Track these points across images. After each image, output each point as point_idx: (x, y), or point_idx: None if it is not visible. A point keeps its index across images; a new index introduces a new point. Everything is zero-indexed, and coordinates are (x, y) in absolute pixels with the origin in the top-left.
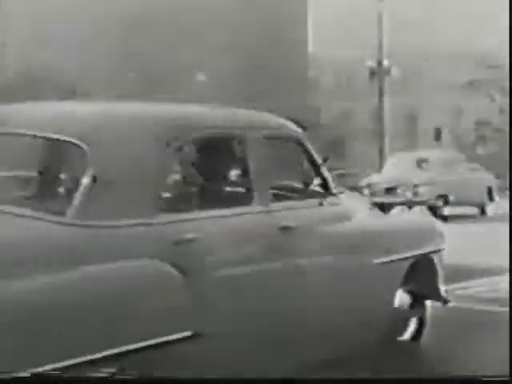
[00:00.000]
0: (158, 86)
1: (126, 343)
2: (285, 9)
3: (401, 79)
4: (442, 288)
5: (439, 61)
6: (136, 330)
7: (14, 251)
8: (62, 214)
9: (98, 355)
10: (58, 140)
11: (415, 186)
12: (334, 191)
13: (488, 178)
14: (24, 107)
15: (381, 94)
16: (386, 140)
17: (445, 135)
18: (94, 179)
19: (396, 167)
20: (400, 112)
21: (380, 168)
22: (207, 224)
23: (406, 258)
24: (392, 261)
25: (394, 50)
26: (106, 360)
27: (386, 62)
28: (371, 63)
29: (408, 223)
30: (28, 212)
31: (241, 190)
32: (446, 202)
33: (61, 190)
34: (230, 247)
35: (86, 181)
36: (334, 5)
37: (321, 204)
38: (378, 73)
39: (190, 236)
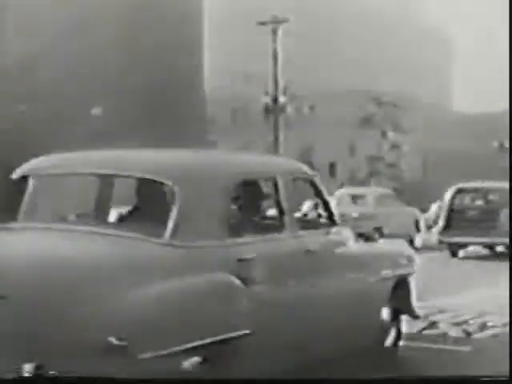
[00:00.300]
0: (54, 120)
1: (206, 337)
2: (182, 45)
3: (296, 115)
4: (415, 305)
5: (333, 97)
6: (212, 326)
7: (130, 265)
8: (160, 236)
9: (189, 345)
10: (154, 181)
11: (355, 219)
12: (338, 222)
13: (415, 212)
14: (127, 154)
15: (276, 130)
16: None
17: (339, 170)
18: (182, 211)
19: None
20: (295, 147)
21: None
22: (258, 246)
23: (391, 278)
24: (382, 279)
25: (290, 87)
26: (194, 350)
27: (281, 99)
28: (267, 100)
29: (390, 250)
30: (135, 235)
31: (276, 220)
32: (381, 235)
33: (153, 218)
34: (275, 264)
35: (175, 211)
36: (231, 41)
37: (328, 233)
38: (273, 109)
39: (248, 256)
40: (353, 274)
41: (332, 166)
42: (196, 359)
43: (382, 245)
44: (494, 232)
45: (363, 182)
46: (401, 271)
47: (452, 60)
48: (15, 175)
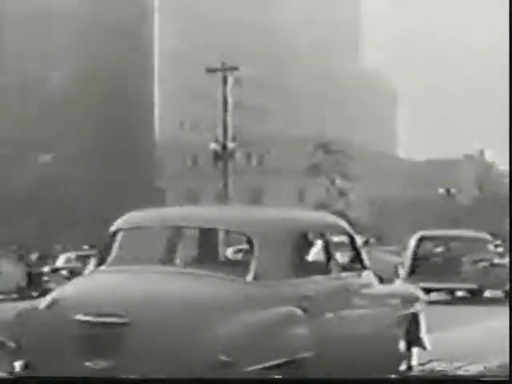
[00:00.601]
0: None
1: (281, 358)
2: (132, 92)
3: (245, 162)
4: (425, 338)
5: (282, 145)
6: (285, 348)
7: (226, 299)
8: (243, 277)
9: (271, 363)
10: (239, 232)
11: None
12: (367, 267)
13: (394, 259)
14: (208, 210)
15: (225, 176)
16: None
17: None
18: (260, 257)
19: (317, 250)
20: (244, 194)
21: None
22: (315, 285)
23: (408, 314)
24: (403, 315)
25: (239, 134)
26: (275, 367)
27: (230, 145)
28: (216, 146)
29: (405, 290)
30: (224, 276)
31: (326, 265)
32: None
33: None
34: (327, 299)
35: (255, 258)
36: (180, 87)
37: (360, 276)
38: (222, 156)
39: (309, 293)
40: (380, 310)
41: None
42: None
43: (398, 286)
44: (457, 278)
45: None
46: (414, 309)
47: (397, 108)
48: (111, 229)
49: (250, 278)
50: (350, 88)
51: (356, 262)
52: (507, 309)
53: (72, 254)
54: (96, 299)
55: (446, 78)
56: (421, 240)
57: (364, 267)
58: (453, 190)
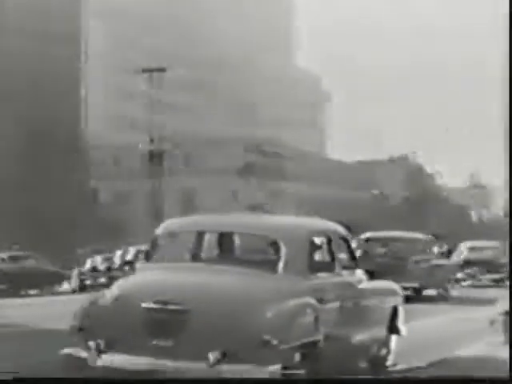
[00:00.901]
0: None
1: (305, 338)
2: (61, 93)
3: (178, 162)
4: (402, 327)
5: (215, 145)
6: (308, 330)
7: (262, 290)
8: (275, 272)
9: (301, 342)
10: (266, 236)
11: None
12: (359, 267)
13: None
14: (241, 217)
15: (158, 177)
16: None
17: None
18: (286, 256)
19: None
20: (178, 194)
21: None
22: (324, 280)
23: (391, 306)
24: (389, 306)
25: (171, 134)
26: (299, 347)
27: (163, 146)
28: (148, 146)
29: (388, 286)
30: (258, 271)
31: (331, 263)
32: None
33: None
34: (333, 291)
35: (282, 257)
36: (109, 88)
37: (354, 273)
38: (155, 156)
39: (321, 286)
40: (371, 302)
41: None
42: (297, 356)
43: (381, 283)
44: (402, 277)
45: None
46: (394, 302)
47: (330, 109)
48: (156, 232)
49: (279, 273)
50: (282, 88)
51: (350, 262)
52: (445, 306)
53: (4, 255)
54: (157, 290)
55: (380, 79)
56: (367, 241)
57: (357, 266)
58: (382, 192)
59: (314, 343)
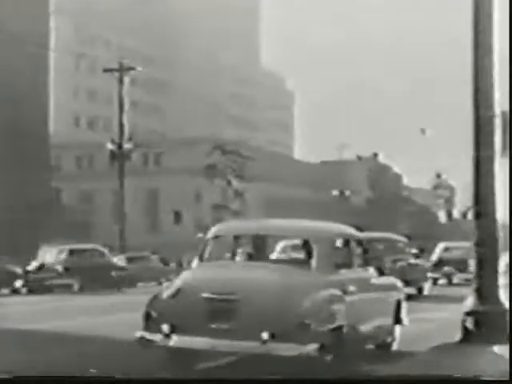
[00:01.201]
0: None
1: (335, 323)
2: (26, 92)
3: (141, 162)
4: (404, 318)
5: (179, 145)
6: (332, 317)
7: (301, 283)
8: (308, 268)
9: (331, 326)
10: (302, 238)
11: None
12: (369, 265)
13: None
14: (277, 222)
15: (121, 176)
16: (130, 220)
17: (185, 218)
18: (318, 255)
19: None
20: (141, 194)
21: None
22: (345, 276)
23: (396, 299)
24: (395, 300)
25: (136, 134)
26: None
27: (126, 146)
28: (111, 146)
29: (393, 282)
30: (295, 268)
31: (349, 261)
32: None
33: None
34: (353, 285)
35: (315, 256)
36: (76, 87)
37: (367, 269)
38: (118, 156)
39: (344, 280)
40: (384, 294)
41: (177, 214)
42: (315, 345)
43: (387, 279)
44: None
45: (209, 229)
46: (400, 294)
47: (295, 110)
48: (208, 236)
49: (312, 269)
50: (248, 88)
51: (363, 260)
52: (418, 304)
53: None
54: (214, 283)
55: (346, 79)
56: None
57: (368, 264)
58: (347, 192)
59: (340, 328)
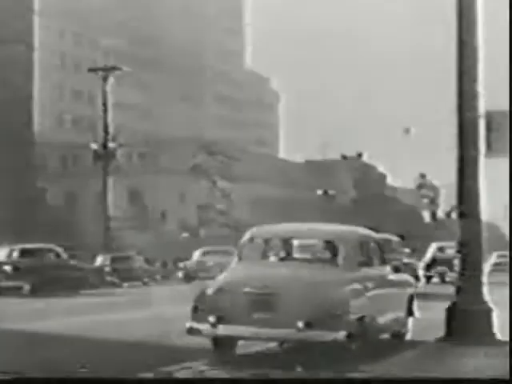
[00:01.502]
0: None
1: (359, 314)
2: (11, 92)
3: (126, 162)
4: (416, 311)
5: (163, 146)
6: (360, 309)
7: (331, 278)
8: (336, 266)
9: (356, 316)
10: (327, 241)
11: None
12: (385, 263)
13: None
14: (309, 226)
15: (105, 176)
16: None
17: (170, 218)
18: (344, 254)
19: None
20: (126, 194)
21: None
22: (367, 272)
23: (409, 294)
24: (409, 294)
25: (120, 134)
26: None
27: (111, 145)
28: (96, 146)
29: (406, 278)
30: (324, 266)
31: (369, 260)
32: None
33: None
34: (373, 281)
35: (342, 255)
36: (61, 86)
37: (384, 268)
38: (103, 156)
39: (365, 277)
40: (398, 289)
41: (162, 214)
42: (344, 333)
43: (401, 275)
44: None
45: (195, 229)
46: (412, 291)
47: (280, 110)
48: (244, 238)
49: (339, 267)
50: (232, 88)
51: (380, 259)
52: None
53: None
54: (254, 279)
55: (331, 80)
56: None
57: (385, 262)
58: (331, 192)
59: (362, 318)
